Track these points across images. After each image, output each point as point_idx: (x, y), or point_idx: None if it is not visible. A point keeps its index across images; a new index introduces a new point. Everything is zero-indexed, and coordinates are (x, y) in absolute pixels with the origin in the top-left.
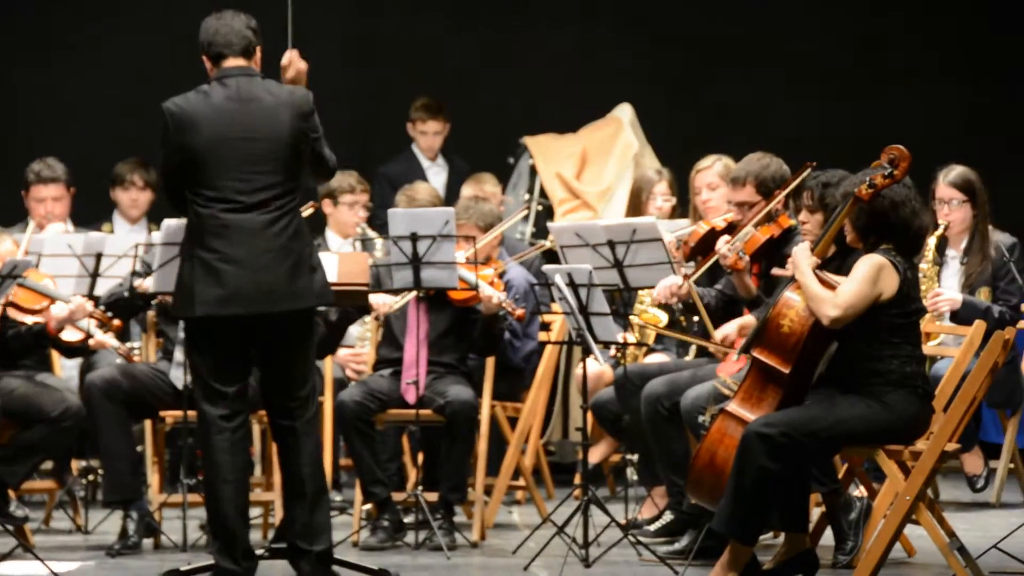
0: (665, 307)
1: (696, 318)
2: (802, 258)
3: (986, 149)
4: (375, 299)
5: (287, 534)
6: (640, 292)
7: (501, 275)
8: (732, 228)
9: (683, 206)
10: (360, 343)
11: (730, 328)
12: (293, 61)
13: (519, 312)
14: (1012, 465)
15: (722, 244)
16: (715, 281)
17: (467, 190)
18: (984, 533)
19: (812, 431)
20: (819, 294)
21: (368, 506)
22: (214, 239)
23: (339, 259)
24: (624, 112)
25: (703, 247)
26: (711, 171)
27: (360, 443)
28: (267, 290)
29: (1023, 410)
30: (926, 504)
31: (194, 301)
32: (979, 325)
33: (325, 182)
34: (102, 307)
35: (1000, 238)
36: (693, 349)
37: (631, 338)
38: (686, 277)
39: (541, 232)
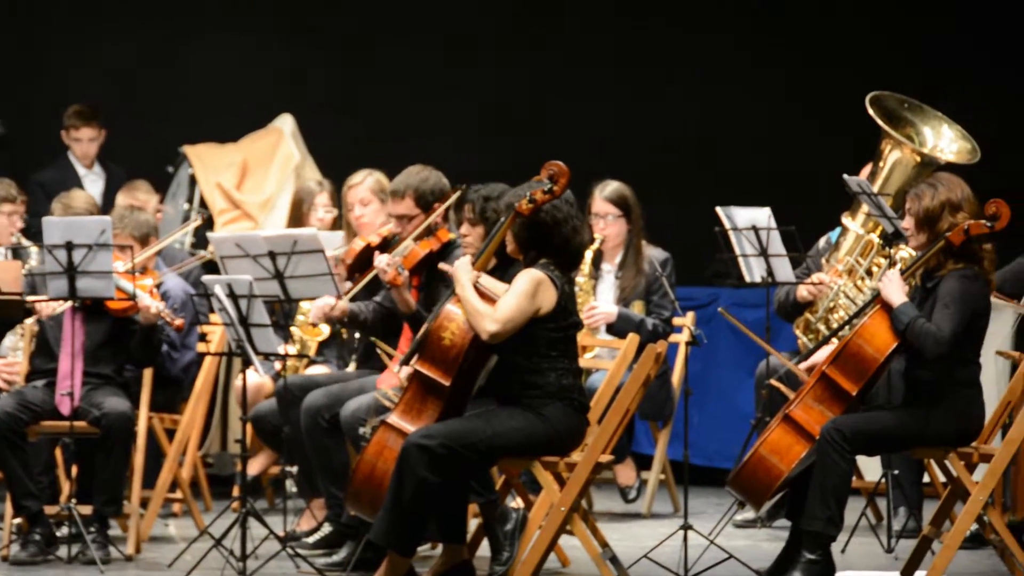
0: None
1: (357, 334)
2: (462, 272)
3: (640, 165)
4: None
5: None
6: (301, 303)
7: (158, 286)
8: (389, 242)
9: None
10: (12, 353)
11: None
12: None
13: (178, 322)
14: (663, 476)
15: (382, 259)
16: (376, 295)
17: (121, 199)
18: (635, 543)
19: (471, 443)
20: (478, 309)
21: (19, 520)
22: None
23: None
24: (285, 123)
25: (360, 263)
26: (363, 186)
27: (11, 455)
28: None
29: (674, 422)
30: (580, 515)
31: None
32: (633, 338)
33: None
34: None
35: (653, 253)
36: (354, 361)
37: (292, 349)
38: (339, 297)
39: (201, 242)
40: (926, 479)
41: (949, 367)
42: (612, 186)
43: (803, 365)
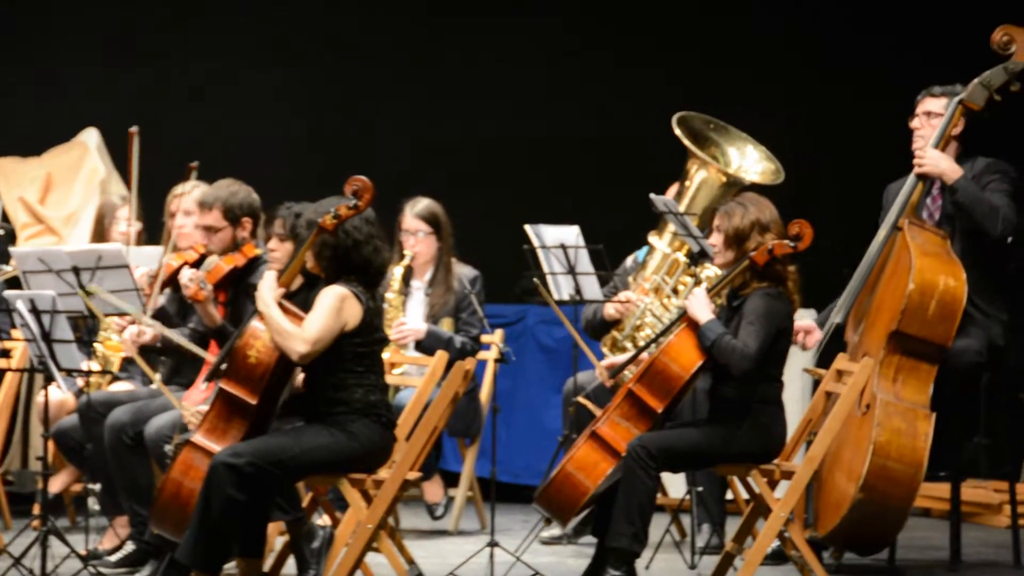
0: None
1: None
2: (266, 290)
3: (450, 182)
4: None
5: None
6: (105, 319)
7: None
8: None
9: (149, 232)
10: None
11: None
12: None
13: None
14: (470, 493)
15: (185, 274)
16: (187, 315)
17: None
18: (442, 560)
19: (279, 460)
20: (285, 329)
21: None
22: None
23: None
24: (90, 137)
25: (175, 281)
26: (188, 197)
27: None
28: None
29: (481, 439)
30: (387, 532)
31: None
32: (441, 356)
33: None
34: None
35: (463, 271)
36: (159, 377)
37: (95, 365)
38: (140, 321)
39: (3, 257)
40: (729, 496)
41: (753, 385)
42: (423, 203)
43: (604, 362)
